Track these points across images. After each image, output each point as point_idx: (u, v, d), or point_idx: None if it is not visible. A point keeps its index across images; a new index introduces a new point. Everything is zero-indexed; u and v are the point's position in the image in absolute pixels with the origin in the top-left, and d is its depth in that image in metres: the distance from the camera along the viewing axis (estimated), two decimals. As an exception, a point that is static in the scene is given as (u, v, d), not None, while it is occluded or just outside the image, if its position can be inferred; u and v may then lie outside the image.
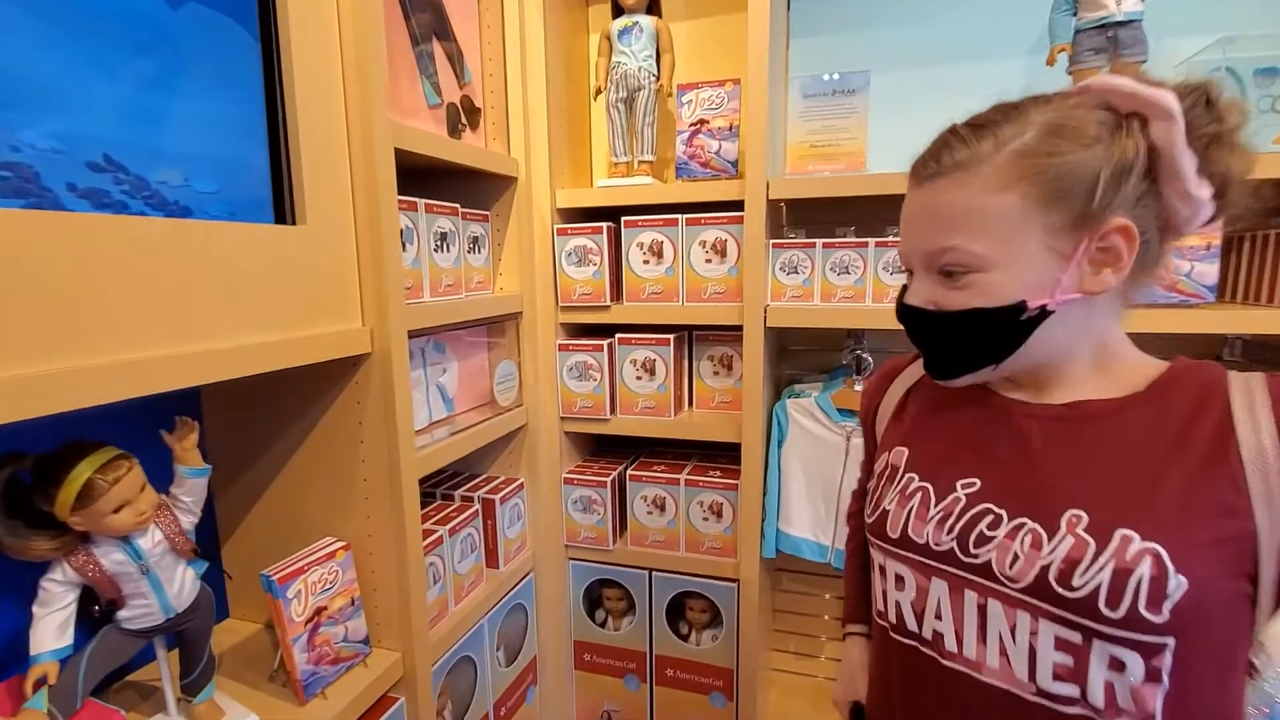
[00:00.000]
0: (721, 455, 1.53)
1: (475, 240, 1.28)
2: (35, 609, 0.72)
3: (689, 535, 1.41)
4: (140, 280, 0.66)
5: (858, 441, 1.28)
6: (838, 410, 1.29)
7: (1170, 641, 0.47)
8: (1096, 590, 0.48)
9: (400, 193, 1.04)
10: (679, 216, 1.30)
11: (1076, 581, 0.49)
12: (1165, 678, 0.48)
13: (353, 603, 0.99)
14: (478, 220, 1.29)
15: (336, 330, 0.91)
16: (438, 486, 1.38)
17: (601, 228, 1.33)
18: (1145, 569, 0.47)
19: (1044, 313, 0.54)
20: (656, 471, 1.42)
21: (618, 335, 1.39)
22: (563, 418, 1.44)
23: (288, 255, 0.83)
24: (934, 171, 0.56)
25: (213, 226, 0.74)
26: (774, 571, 1.61)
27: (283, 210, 0.85)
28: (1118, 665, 0.49)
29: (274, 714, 0.90)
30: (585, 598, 1.53)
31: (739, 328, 1.28)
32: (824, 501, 1.34)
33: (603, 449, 1.64)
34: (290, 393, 1.02)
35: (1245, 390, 0.51)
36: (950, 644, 0.57)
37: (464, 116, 1.23)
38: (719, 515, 1.38)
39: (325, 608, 0.95)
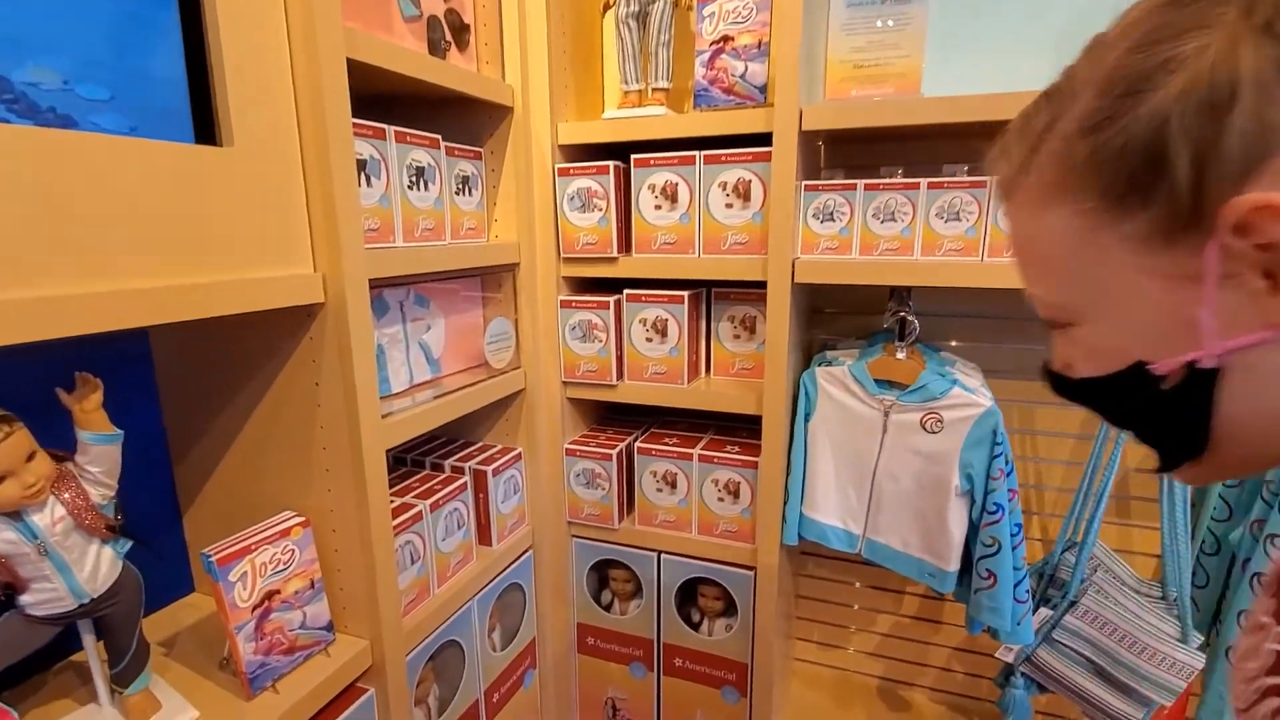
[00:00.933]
0: (740, 428, 1.37)
1: (465, 181, 1.13)
2: (-90, 594, 0.61)
3: (702, 516, 1.27)
4: (16, 202, 0.53)
5: (898, 418, 1.10)
6: (875, 381, 1.12)
7: None
8: None
9: (374, 119, 0.89)
10: (696, 153, 1.12)
11: None
12: None
13: (312, 585, 0.88)
14: (468, 158, 1.13)
15: (281, 275, 0.78)
16: (427, 454, 1.26)
17: (608, 167, 1.16)
18: None
19: (1202, 374, 0.34)
20: (668, 445, 1.28)
21: (626, 292, 1.23)
22: (565, 382, 1.30)
23: (213, 182, 0.70)
24: (999, 194, 0.42)
25: (105, 140, 0.60)
26: (798, 555, 1.46)
27: (206, 129, 0.71)
28: None
29: (217, 709, 0.80)
30: (591, 577, 1.41)
31: (763, 284, 1.11)
32: (855, 485, 1.17)
33: (611, 417, 1.50)
34: (241, 350, 0.90)
35: None
36: None
37: (449, 33, 1.07)
38: (735, 495, 1.23)
39: (278, 591, 0.84)
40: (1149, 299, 0.34)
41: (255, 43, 0.73)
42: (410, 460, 1.26)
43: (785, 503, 1.20)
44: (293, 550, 0.86)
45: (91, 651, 0.76)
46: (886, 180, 1.07)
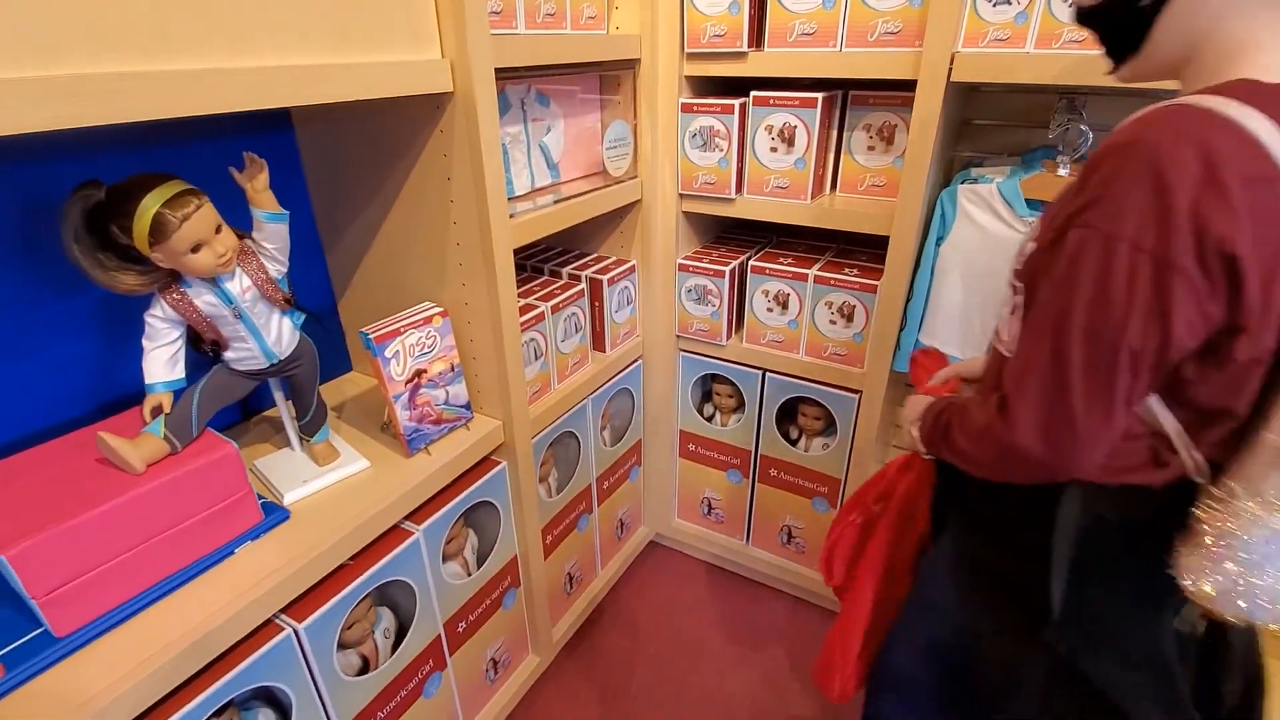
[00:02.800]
0: (861, 251, 1.31)
1: (585, -40, 1.03)
2: (144, 342, 0.73)
3: (811, 339, 1.26)
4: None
5: (1047, 243, 1.00)
6: (1027, 202, 1.01)
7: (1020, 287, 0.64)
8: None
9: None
10: (852, -82, 0.95)
11: None
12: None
13: (452, 369, 0.97)
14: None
15: (410, 59, 0.76)
16: (546, 261, 1.30)
17: (744, -61, 1.02)
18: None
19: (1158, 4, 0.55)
20: (783, 264, 1.25)
21: (753, 93, 1.13)
22: (681, 194, 1.26)
23: (341, -48, 0.67)
24: None
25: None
26: (904, 384, 1.45)
27: (331, -113, 0.67)
28: (1012, 308, 0.66)
29: (384, 462, 0.93)
30: (696, 390, 1.48)
31: (912, 84, 0.99)
32: (981, 317, 1.11)
33: (727, 234, 1.47)
34: (379, 144, 0.92)
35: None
36: None
37: None
38: (849, 319, 1.21)
39: (424, 370, 0.93)
40: None
41: None
42: (530, 266, 1.31)
43: (902, 329, 1.17)
44: (435, 336, 0.94)
45: (282, 406, 0.89)
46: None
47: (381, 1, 0.72)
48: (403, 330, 0.89)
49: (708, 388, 1.48)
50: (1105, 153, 0.51)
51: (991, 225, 1.05)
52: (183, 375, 0.75)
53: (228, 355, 0.78)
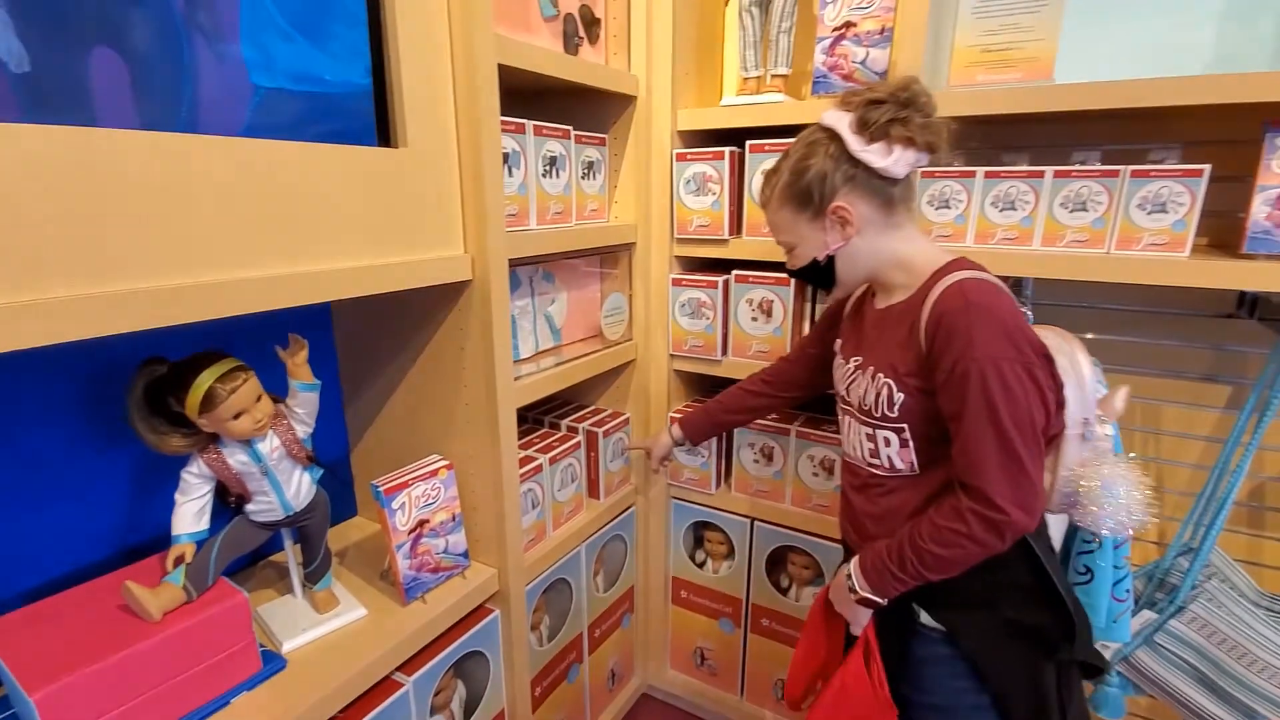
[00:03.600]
0: (841, 408, 1.41)
1: (590, 165, 1.23)
2: (176, 496, 0.81)
3: (796, 489, 1.33)
4: (239, 202, 0.68)
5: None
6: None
7: (905, 426, 0.81)
8: (870, 404, 0.84)
9: (512, 113, 1.00)
10: (811, 140, 1.15)
11: (866, 402, 0.85)
12: (910, 441, 0.82)
13: (454, 518, 1.04)
14: (593, 144, 1.23)
15: (438, 256, 0.91)
16: (547, 413, 1.41)
17: (723, 153, 1.22)
18: (884, 390, 0.82)
19: (831, 258, 0.85)
20: (767, 420, 1.34)
21: (734, 272, 1.29)
22: (672, 355, 1.39)
23: (391, 179, 0.83)
24: (762, 202, 0.92)
25: (320, 149, 0.74)
26: None
27: (386, 133, 0.84)
28: (887, 441, 0.84)
29: (381, 610, 0.98)
30: (688, 536, 1.52)
31: (871, 270, 1.13)
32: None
33: (715, 389, 1.58)
34: (402, 318, 1.05)
35: (936, 290, 0.78)
36: (846, 446, 0.93)
37: (582, 28, 1.15)
38: (830, 472, 1.28)
39: (427, 520, 1.00)
40: (814, 236, 0.84)
41: (427, 56, 0.85)
42: (532, 418, 1.41)
43: (880, 483, 1.24)
44: (439, 488, 1.02)
45: (290, 552, 0.95)
46: (1008, 169, 1.05)
47: (419, 212, 0.88)
48: (410, 483, 0.98)
49: (699, 534, 1.52)
50: (953, 313, 0.74)
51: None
52: (207, 526, 0.83)
53: (249, 507, 0.85)
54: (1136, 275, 0.97)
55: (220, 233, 0.66)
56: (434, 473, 1.01)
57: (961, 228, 1.08)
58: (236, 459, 0.81)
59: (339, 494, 1.22)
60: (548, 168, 1.09)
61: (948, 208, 1.09)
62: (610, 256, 1.35)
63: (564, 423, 1.36)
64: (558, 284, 1.25)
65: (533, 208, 1.07)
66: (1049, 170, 1.02)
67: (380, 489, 0.94)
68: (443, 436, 1.08)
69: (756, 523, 1.39)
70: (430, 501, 1.00)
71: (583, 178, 1.21)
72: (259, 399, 0.79)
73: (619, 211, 1.32)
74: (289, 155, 0.71)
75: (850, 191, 0.80)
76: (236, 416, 0.77)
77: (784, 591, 1.41)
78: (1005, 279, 1.22)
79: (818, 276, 0.88)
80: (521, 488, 1.12)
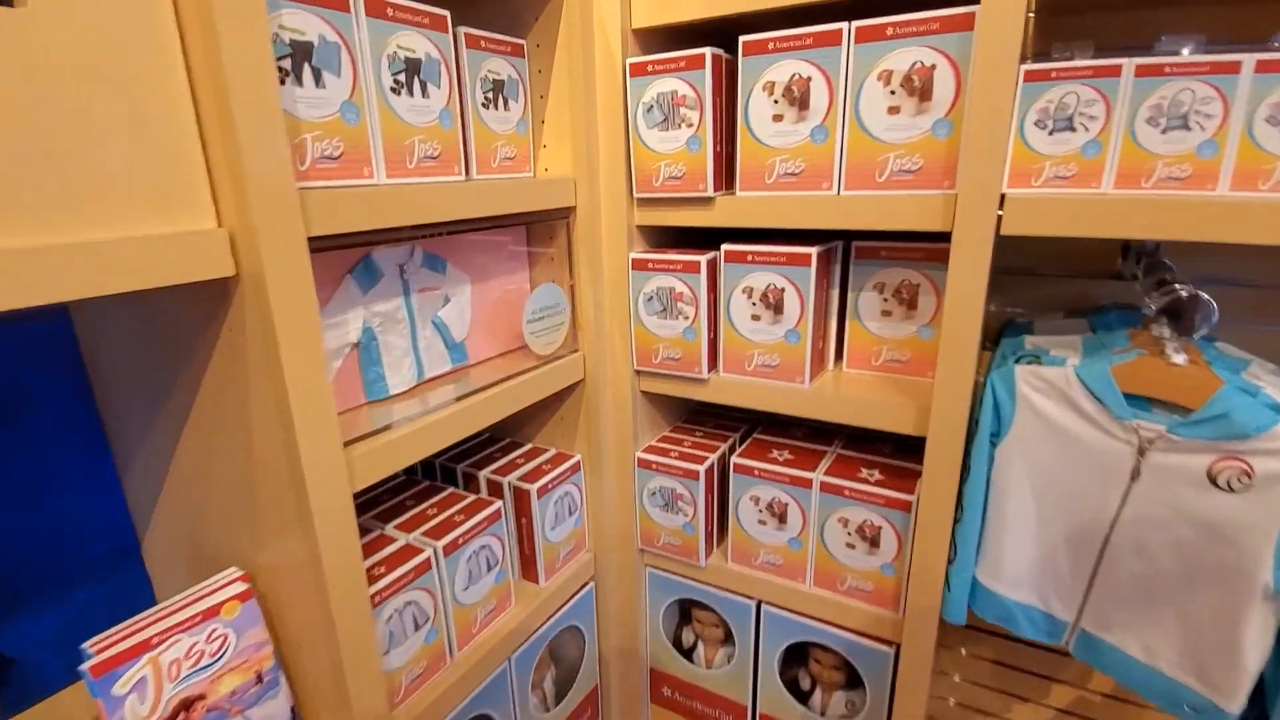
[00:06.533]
0: (883, 439, 0.98)
1: (498, 87, 0.79)
2: None
3: (821, 565, 0.91)
4: None
5: (1164, 460, 0.68)
6: (1127, 398, 0.69)
7: None
8: None
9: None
10: (844, 26, 0.71)
11: None
12: None
13: (259, 679, 0.62)
14: (502, 52, 0.79)
15: (153, 234, 0.48)
16: (464, 460, 0.98)
17: (702, 56, 0.78)
18: None
19: None
20: (777, 461, 0.92)
21: (725, 247, 0.85)
22: (638, 371, 0.96)
23: (9, 74, 0.40)
24: None
25: None
26: (959, 630, 1.07)
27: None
28: None
29: None
30: (670, 614, 1.10)
31: (944, 236, 0.70)
32: (1069, 548, 0.77)
33: (702, 414, 1.15)
34: (160, 340, 0.62)
35: None
36: None
37: None
38: (874, 544, 0.86)
39: (202, 697, 0.58)
40: None
41: None
42: (440, 467, 0.98)
43: (951, 561, 0.82)
44: (225, 635, 0.59)
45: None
46: (1176, 59, 0.61)
47: (90, 150, 0.44)
48: (156, 641, 0.55)
49: (685, 611, 1.11)
50: None
51: (1073, 425, 0.73)
52: None
53: None
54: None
55: None
56: (212, 611, 0.59)
57: (1095, 161, 0.65)
58: None
59: (126, 601, 0.80)
60: (401, 79, 0.64)
61: (1071, 129, 0.66)
62: (541, 229, 0.91)
63: (483, 474, 0.93)
64: (453, 274, 0.81)
65: (376, 147, 0.63)
66: (1128, 64, 0.59)
67: (87, 668, 0.52)
68: (246, 537, 0.65)
69: (765, 607, 0.97)
70: (208, 662, 0.58)
71: (485, 105, 0.77)
72: None
73: (551, 160, 0.88)
74: None
75: None
76: None
77: (805, 697, 1.00)
78: (1130, 245, 0.81)
79: None
80: (389, 605, 0.70)
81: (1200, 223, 0.60)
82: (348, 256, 0.68)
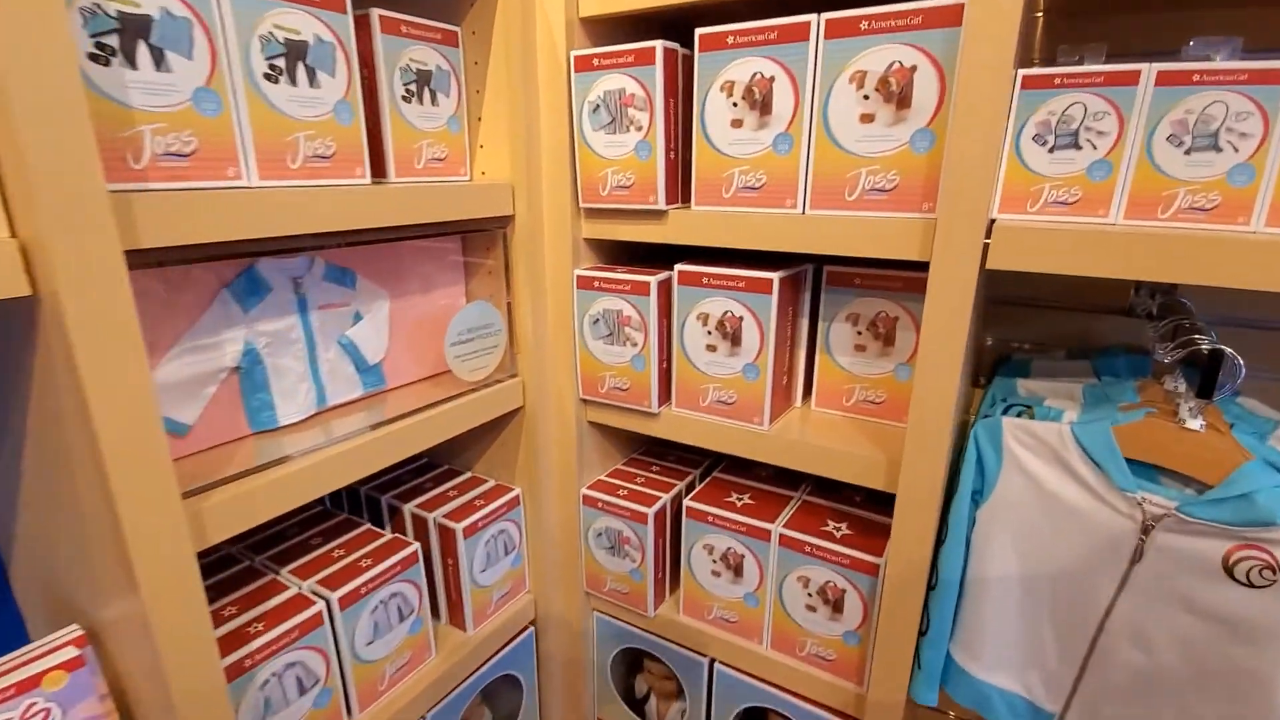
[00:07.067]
0: (855, 488, 0.88)
1: (425, 78, 0.70)
2: None
3: (779, 626, 0.81)
4: None
5: (1171, 541, 0.57)
6: (1130, 463, 0.59)
7: None
8: None
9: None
10: (813, 19, 0.61)
11: None
12: None
13: (89, 759, 0.53)
14: (430, 40, 0.69)
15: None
16: (390, 490, 0.89)
17: (652, 50, 0.68)
18: None
19: None
20: (734, 507, 0.82)
21: (679, 267, 0.75)
22: (584, 400, 0.86)
23: None
24: None
25: None
26: (930, 712, 0.96)
27: None
28: None
29: None
30: (619, 662, 1.00)
31: (921, 266, 0.60)
32: (1056, 629, 0.66)
33: (662, 445, 1.05)
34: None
35: None
36: None
37: None
38: (836, 609, 0.76)
39: (6, 785, 0.49)
40: None
41: None
42: (364, 496, 0.89)
43: (923, 634, 0.71)
44: (46, 711, 0.51)
45: None
46: (1208, 65, 0.51)
47: None
48: (-57, 723, 0.46)
49: (636, 660, 1.01)
50: None
51: (1065, 490, 0.63)
52: None
53: None
54: None
55: None
56: (31, 682, 0.50)
57: (1104, 185, 0.55)
58: None
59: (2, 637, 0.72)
60: (280, 64, 0.55)
61: (1076, 146, 0.55)
62: (480, 238, 0.82)
63: (409, 508, 0.84)
64: (364, 288, 0.72)
65: (245, 143, 0.53)
66: (1147, 69, 0.49)
67: None
68: (84, 593, 0.56)
69: (718, 666, 0.87)
70: (16, 744, 0.49)
71: (407, 99, 0.68)
72: None
73: (489, 162, 0.79)
74: None
75: None
76: None
77: (761, 765, 0.90)
78: (1139, 287, 0.70)
79: None
80: (261, 670, 0.61)
81: (1227, 266, 0.49)
82: (223, 269, 0.59)
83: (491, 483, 0.90)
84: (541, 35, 0.73)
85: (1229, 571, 0.55)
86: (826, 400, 0.79)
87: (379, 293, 0.73)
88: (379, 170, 0.69)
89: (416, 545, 0.76)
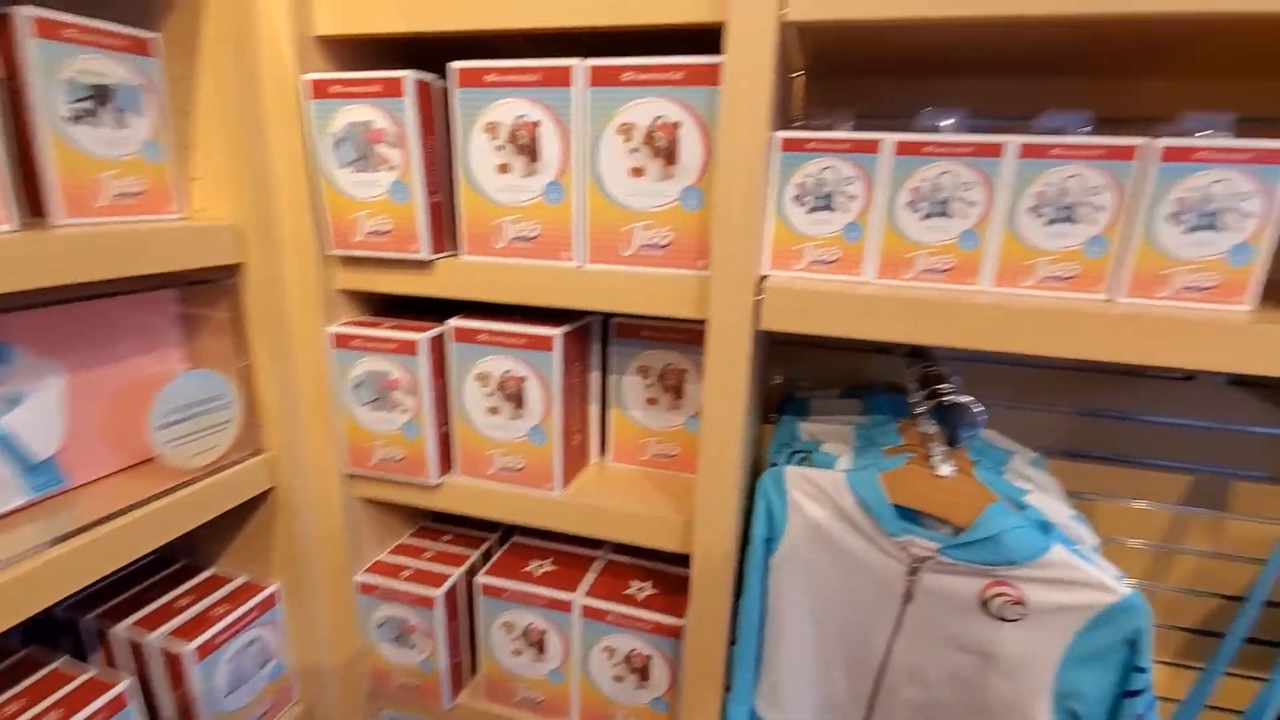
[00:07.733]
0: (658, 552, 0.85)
1: (103, 94, 0.55)
2: None
3: (588, 701, 0.75)
4: None
5: (935, 581, 0.61)
6: (896, 509, 0.61)
7: None
8: None
9: None
10: (575, 64, 0.56)
11: None
12: None
13: None
14: (109, 47, 0.55)
15: None
16: (91, 607, 0.70)
17: (399, 82, 0.59)
18: None
19: None
20: (533, 577, 0.75)
21: (454, 322, 0.67)
22: (351, 475, 0.74)
23: None
24: None
25: None
26: None
27: None
28: None
29: None
30: (418, 758, 0.89)
31: (698, 324, 0.58)
32: (847, 670, 0.68)
33: (445, 519, 0.96)
34: None
35: None
36: None
37: None
38: (643, 676, 0.72)
39: None
40: None
41: None
42: (60, 618, 0.69)
43: (728, 692, 0.70)
44: None
45: None
46: (936, 137, 0.54)
47: None
48: None
49: (442, 752, 0.90)
50: None
51: (844, 537, 0.64)
52: None
53: None
54: (1172, 353, 0.50)
55: None
56: None
57: (855, 247, 0.56)
58: None
59: None
60: None
61: (831, 209, 0.56)
62: (198, 292, 0.67)
63: (120, 630, 0.66)
64: (25, 363, 0.55)
65: None
66: (887, 139, 0.53)
67: None
68: None
69: (526, 752, 0.80)
70: None
71: (77, 119, 0.53)
72: None
73: (210, 199, 0.64)
74: None
75: None
76: None
77: (580, 846, 0.84)
78: (905, 350, 0.74)
79: None
80: None
81: (958, 327, 0.52)
82: None
83: (239, 580, 0.75)
84: (267, 51, 0.61)
85: (985, 607, 0.59)
86: (623, 455, 0.75)
87: (50, 366, 0.56)
88: (38, 210, 0.53)
89: (127, 683, 0.60)
